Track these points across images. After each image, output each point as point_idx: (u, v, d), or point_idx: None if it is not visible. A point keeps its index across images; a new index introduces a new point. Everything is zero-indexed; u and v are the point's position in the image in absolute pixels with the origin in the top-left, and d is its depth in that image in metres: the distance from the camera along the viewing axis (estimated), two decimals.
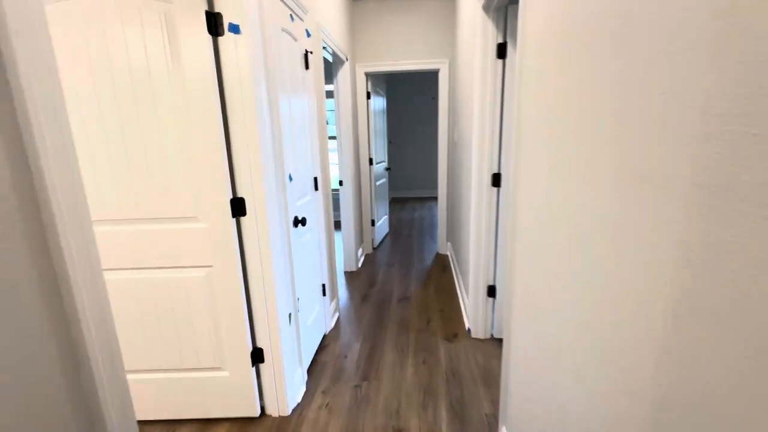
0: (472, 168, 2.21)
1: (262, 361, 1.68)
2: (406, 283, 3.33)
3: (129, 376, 1.66)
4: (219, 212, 1.48)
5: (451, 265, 3.64)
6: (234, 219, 1.51)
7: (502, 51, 1.95)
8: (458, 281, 3.10)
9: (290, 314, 1.79)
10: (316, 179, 2.26)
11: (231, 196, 1.48)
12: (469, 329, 2.40)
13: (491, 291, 2.26)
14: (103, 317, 0.74)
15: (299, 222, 1.89)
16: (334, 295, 2.68)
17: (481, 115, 2.06)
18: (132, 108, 1.39)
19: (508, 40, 1.93)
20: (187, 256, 1.52)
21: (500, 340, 2.31)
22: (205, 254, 1.52)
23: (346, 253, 3.61)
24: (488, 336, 2.35)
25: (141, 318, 1.59)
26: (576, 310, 0.85)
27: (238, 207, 1.51)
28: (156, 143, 1.42)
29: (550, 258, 1.02)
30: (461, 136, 2.89)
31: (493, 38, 1.95)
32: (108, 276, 1.54)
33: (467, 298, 2.54)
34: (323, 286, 2.39)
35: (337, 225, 5.40)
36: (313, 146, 2.22)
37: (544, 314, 1.07)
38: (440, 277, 3.45)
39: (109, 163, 1.43)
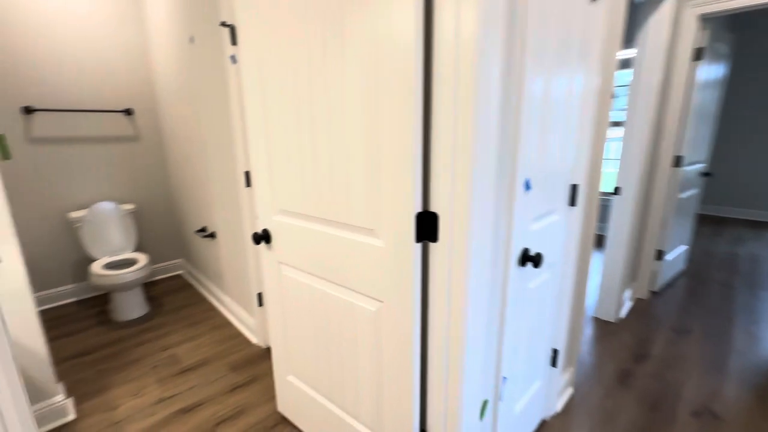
0: None
1: None
2: (712, 377, 1.92)
3: (296, 381, 1.50)
4: (399, 229, 0.97)
5: None
6: (419, 244, 0.96)
7: None
8: None
9: (485, 403, 1.13)
10: (574, 188, 1.40)
11: (419, 209, 0.94)
12: None
13: None
14: None
15: (529, 259, 1.15)
16: (571, 362, 1.76)
17: None
18: (317, 76, 1.05)
19: None
20: (360, 279, 1.12)
21: None
22: (378, 283, 1.07)
23: (603, 290, 2.48)
24: None
25: (315, 333, 1.34)
26: None
27: (427, 227, 0.96)
28: (338, 122, 1.04)
29: None
30: None
31: None
32: (295, 275, 1.35)
33: None
34: (554, 352, 1.55)
35: (597, 240, 4.06)
36: (582, 136, 1.36)
37: None
38: None
39: (298, 149, 1.18)
